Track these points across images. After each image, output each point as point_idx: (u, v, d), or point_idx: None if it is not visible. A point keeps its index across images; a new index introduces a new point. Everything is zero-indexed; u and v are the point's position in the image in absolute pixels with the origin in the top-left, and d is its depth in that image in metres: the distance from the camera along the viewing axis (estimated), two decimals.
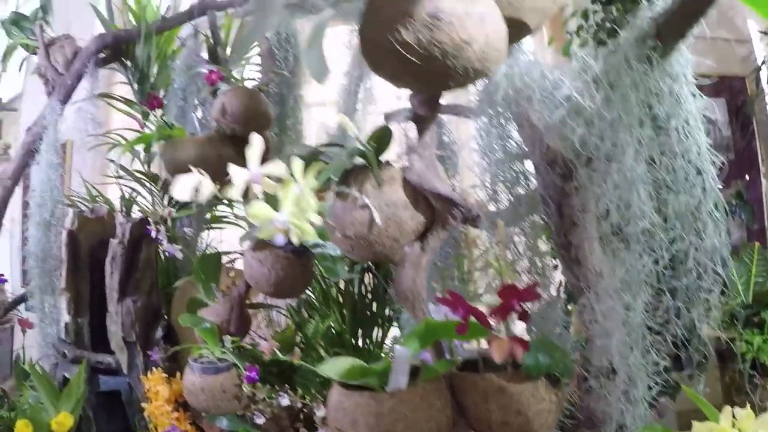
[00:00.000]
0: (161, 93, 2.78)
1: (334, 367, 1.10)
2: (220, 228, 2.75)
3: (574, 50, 1.61)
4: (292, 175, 0.72)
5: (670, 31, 1.22)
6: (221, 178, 2.19)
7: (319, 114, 3.01)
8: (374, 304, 2.20)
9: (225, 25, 2.77)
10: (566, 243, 1.44)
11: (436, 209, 1.06)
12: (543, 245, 1.50)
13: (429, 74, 0.79)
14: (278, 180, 0.70)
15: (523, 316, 1.04)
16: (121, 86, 3.04)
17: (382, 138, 0.97)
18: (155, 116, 2.01)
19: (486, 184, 1.34)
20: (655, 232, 1.25)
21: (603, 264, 1.43)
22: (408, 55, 0.76)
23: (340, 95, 2.48)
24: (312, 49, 0.75)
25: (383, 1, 0.79)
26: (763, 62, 3.17)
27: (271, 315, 2.29)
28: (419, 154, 1.01)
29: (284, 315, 2.28)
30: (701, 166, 1.32)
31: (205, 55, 2.66)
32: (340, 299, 2.15)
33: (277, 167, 0.74)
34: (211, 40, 2.65)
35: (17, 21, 2.86)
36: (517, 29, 1.01)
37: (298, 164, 0.72)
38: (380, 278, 2.12)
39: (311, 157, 0.93)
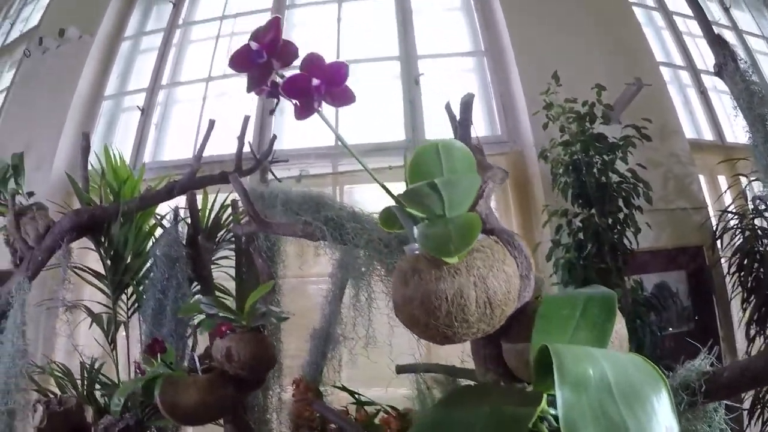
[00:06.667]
0: (133, 274, 2.70)
1: None
2: None
3: None
4: None
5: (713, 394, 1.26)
6: (218, 418, 2.12)
7: None
8: None
9: (203, 205, 2.72)
10: None
11: None
12: None
13: None
14: None
15: None
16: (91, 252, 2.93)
17: None
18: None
19: None
20: None
21: None
22: None
23: (325, 298, 2.42)
24: None
25: None
26: (720, 233, 3.30)
27: None
28: None
29: None
30: None
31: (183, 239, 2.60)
32: None
33: None
34: (190, 225, 2.60)
35: None
36: None
37: None
38: None
39: None
